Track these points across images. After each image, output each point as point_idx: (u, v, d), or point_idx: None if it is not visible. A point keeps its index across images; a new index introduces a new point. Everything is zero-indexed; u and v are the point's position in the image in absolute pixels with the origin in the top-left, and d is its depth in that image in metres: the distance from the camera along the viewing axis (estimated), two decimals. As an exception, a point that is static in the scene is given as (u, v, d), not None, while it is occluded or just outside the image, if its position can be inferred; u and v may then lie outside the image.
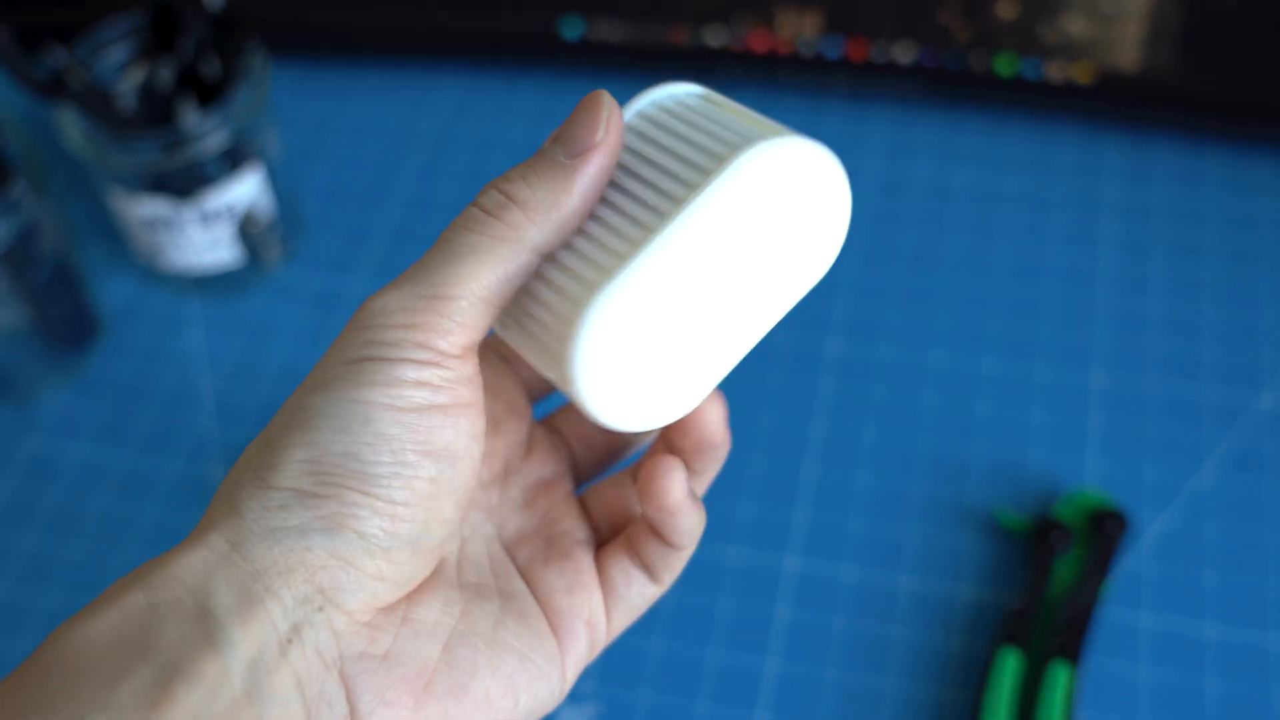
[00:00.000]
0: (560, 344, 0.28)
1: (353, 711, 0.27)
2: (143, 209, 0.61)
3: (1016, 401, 0.59)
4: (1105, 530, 0.52)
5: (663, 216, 0.28)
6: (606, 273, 0.27)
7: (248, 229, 0.63)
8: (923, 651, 0.52)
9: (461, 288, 0.27)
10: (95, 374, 0.63)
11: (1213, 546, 0.53)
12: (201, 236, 0.62)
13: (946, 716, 0.50)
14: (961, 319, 0.62)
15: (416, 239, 0.67)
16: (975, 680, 0.51)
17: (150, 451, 0.60)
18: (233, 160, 0.60)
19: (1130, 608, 0.52)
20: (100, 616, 0.26)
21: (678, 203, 0.28)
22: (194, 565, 0.26)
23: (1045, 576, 0.51)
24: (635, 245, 0.28)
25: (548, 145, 0.29)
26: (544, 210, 0.28)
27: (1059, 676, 0.48)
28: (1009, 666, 0.49)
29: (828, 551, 0.55)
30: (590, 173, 0.29)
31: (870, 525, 0.55)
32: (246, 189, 0.62)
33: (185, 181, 0.60)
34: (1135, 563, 0.53)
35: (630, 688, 0.51)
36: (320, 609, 0.26)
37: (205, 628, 0.25)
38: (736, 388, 0.60)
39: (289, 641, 0.26)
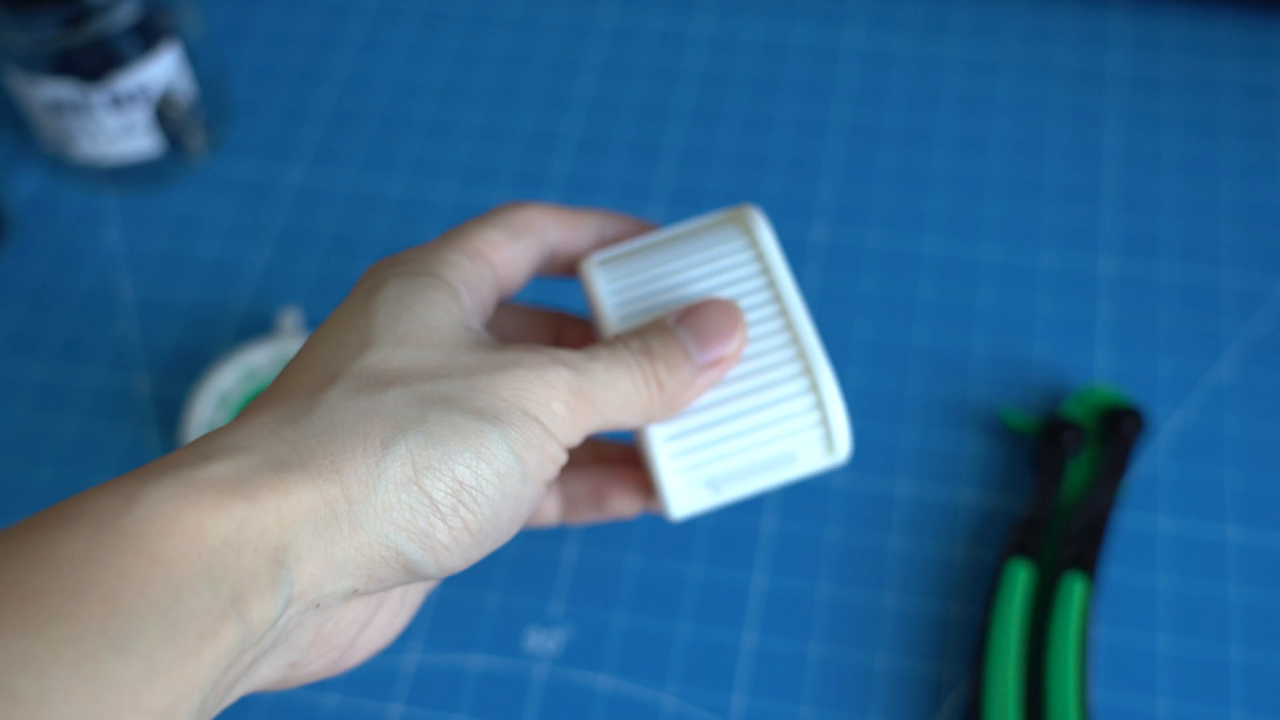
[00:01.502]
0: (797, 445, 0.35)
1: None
2: (46, 92, 0.55)
3: (1019, 291, 0.55)
4: (1120, 429, 0.49)
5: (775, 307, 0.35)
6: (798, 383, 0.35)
7: (166, 113, 0.57)
8: (923, 563, 0.48)
9: (606, 417, 0.32)
10: (1, 277, 0.58)
11: (1234, 444, 0.50)
12: (114, 122, 0.56)
13: (951, 633, 0.47)
14: (957, 203, 0.58)
15: (356, 122, 0.62)
16: (982, 594, 0.48)
17: (66, 360, 0.55)
18: (146, 36, 0.55)
19: (1147, 512, 0.49)
20: (201, 508, 0.25)
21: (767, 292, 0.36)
22: (301, 506, 0.27)
23: (1056, 481, 0.48)
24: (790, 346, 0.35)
25: (679, 329, 0.34)
26: (671, 405, 0.33)
27: (1074, 589, 0.45)
28: (1020, 579, 0.46)
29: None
30: (714, 379, 0.34)
31: (863, 427, 0.52)
32: (163, 68, 0.56)
33: (93, 61, 0.54)
34: (1151, 463, 0.50)
35: (605, 609, 0.47)
36: (353, 593, 0.28)
37: (274, 576, 0.26)
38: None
39: (316, 606, 0.28)
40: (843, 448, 0.35)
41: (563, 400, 0.31)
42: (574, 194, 0.59)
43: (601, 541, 0.49)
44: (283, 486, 0.26)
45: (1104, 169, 0.58)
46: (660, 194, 0.58)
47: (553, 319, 0.39)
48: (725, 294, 0.35)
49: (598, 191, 0.59)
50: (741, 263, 0.35)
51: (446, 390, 0.29)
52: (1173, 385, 0.52)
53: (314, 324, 0.56)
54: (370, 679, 0.46)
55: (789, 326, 0.35)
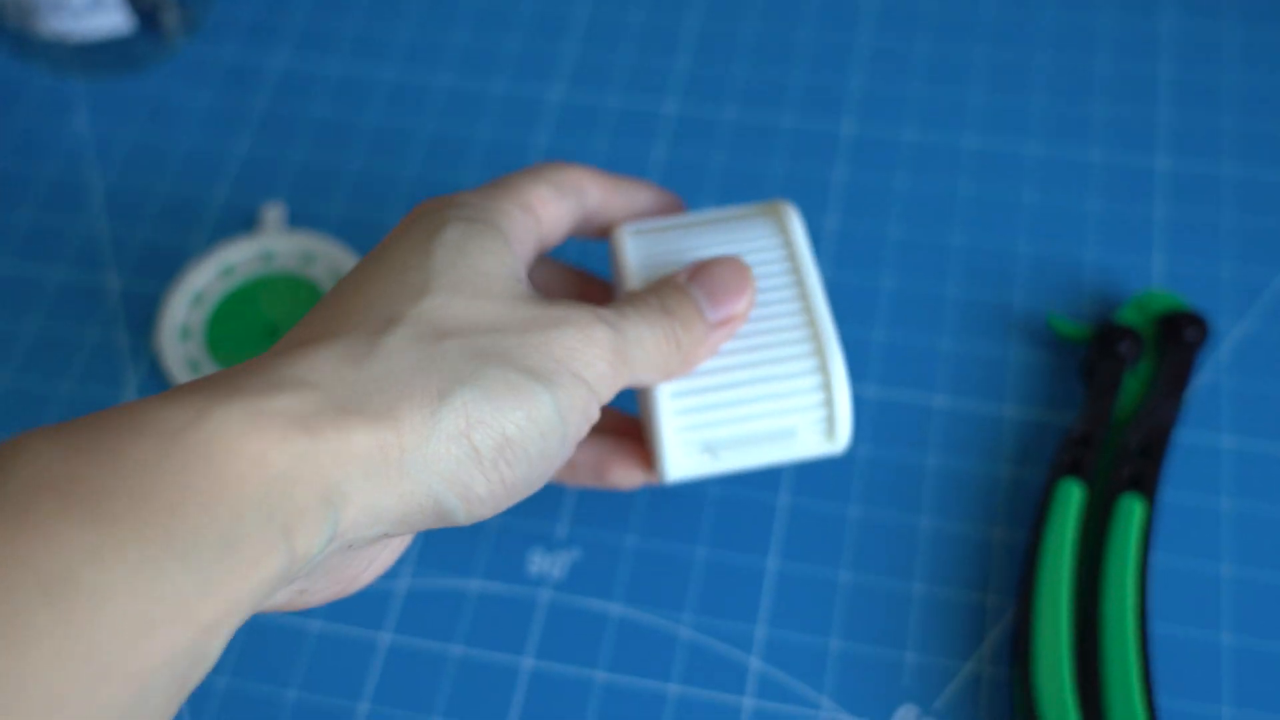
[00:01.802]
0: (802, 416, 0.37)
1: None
2: (4, -40, 0.50)
3: (1068, 190, 0.50)
4: (1182, 337, 0.45)
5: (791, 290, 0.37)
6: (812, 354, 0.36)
7: (137, -13, 0.53)
8: (964, 484, 0.44)
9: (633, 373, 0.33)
10: (-42, 166, 0.53)
11: (1304, 357, 0.46)
12: (80, -5, 0.52)
13: (996, 558, 0.43)
14: (999, 96, 0.53)
15: (346, 2, 0.57)
16: (1029, 517, 0.44)
17: (29, 257, 0.51)
18: (113, -102, 0.50)
19: (1209, 429, 0.45)
20: (268, 437, 0.26)
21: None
22: (358, 450, 0.27)
23: (1111, 394, 0.44)
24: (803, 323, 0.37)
25: (691, 286, 0.35)
26: (686, 362, 0.35)
27: (1132, 511, 0.41)
28: (1072, 500, 0.42)
29: (850, 372, 0.47)
30: (726, 336, 0.35)
31: (897, 336, 0.47)
32: (133, -65, 0.51)
33: (55, -76, 0.49)
34: (1214, 376, 0.46)
35: (615, 531, 0.43)
36: (384, 536, 0.29)
37: (323, 514, 0.26)
38: (736, 178, 0.51)
39: (349, 546, 0.28)
40: (843, 435, 0.37)
41: (606, 360, 0.32)
42: (580, 84, 0.54)
43: (611, 456, 0.45)
44: (345, 427, 0.27)
45: (1160, 58, 0.54)
46: (676, 84, 0.54)
47: (577, 276, 0.41)
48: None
49: (609, 80, 0.54)
50: (768, 248, 0.37)
51: (502, 346, 0.30)
52: (1236, 292, 0.48)
53: (297, 220, 0.51)
54: (359, 605, 0.43)
55: (807, 310, 0.36)
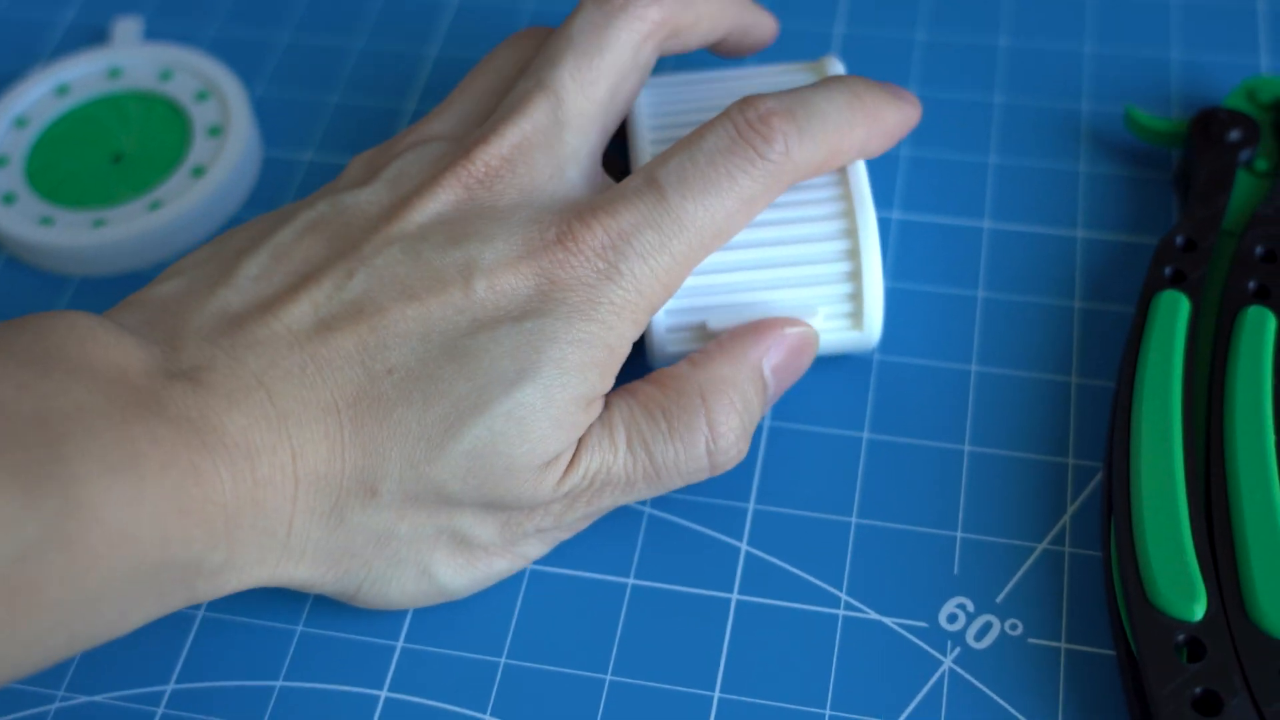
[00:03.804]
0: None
1: None
2: None
3: (1144, -22, 0.40)
4: (1311, 123, 0.34)
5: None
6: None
7: None
8: (1030, 323, 0.33)
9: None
10: None
11: None
12: None
13: (1076, 408, 0.32)
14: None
15: None
16: (1115, 356, 0.33)
17: None
18: None
19: (1353, 244, 0.34)
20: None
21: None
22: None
23: (1223, 192, 0.33)
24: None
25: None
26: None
27: (1264, 325, 0.30)
28: (1180, 315, 0.31)
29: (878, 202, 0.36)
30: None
31: (936, 155, 0.37)
32: None
33: None
34: (1353, 182, 0.35)
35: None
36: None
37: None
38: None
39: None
40: (874, 325, 0.31)
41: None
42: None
43: None
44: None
45: None
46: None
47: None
48: None
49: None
50: None
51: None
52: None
53: (156, 36, 0.41)
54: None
55: (843, 182, 0.30)
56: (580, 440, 0.28)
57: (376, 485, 0.26)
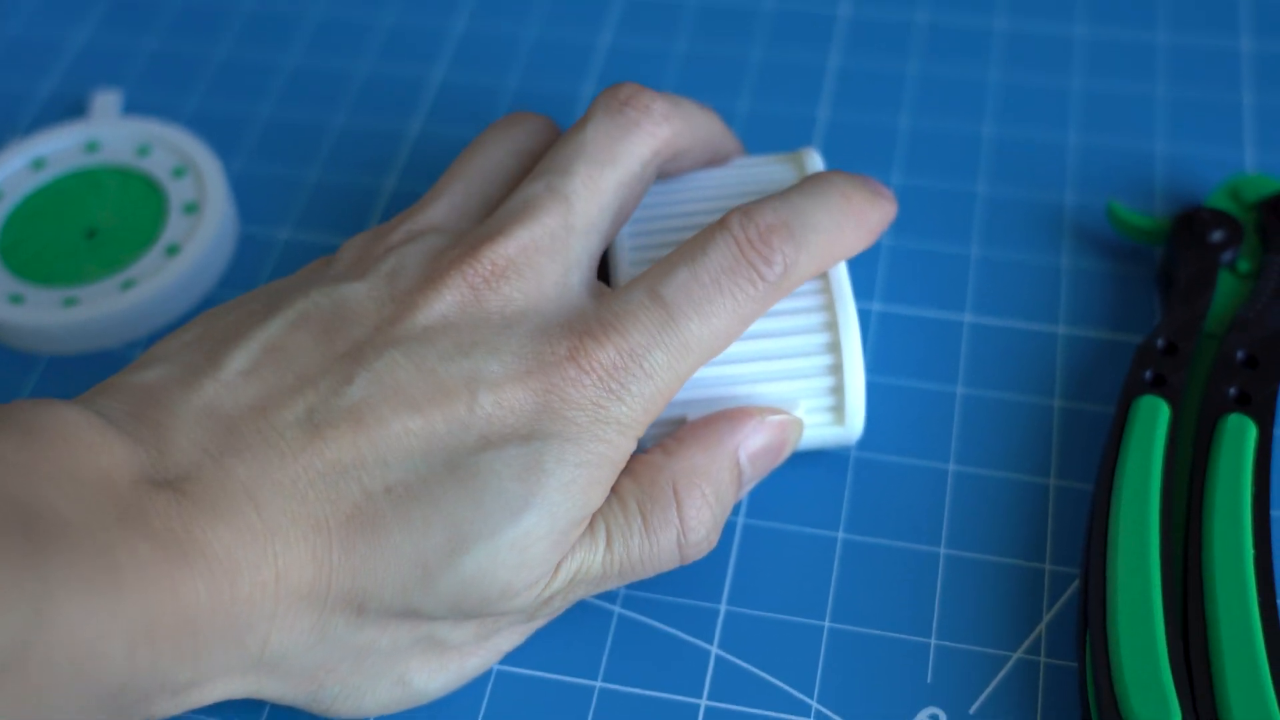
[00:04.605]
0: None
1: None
2: None
3: (1130, 76, 0.40)
4: (1294, 225, 0.34)
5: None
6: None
7: None
8: (1010, 422, 0.33)
9: None
10: None
11: None
12: None
13: (1054, 513, 0.32)
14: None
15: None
16: (1094, 460, 0.33)
17: None
18: None
19: (1336, 348, 0.34)
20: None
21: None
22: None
23: (1204, 295, 0.33)
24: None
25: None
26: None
27: (1244, 434, 0.30)
28: (1159, 422, 0.31)
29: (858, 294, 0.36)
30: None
31: (913, 244, 0.37)
32: None
33: None
34: (1337, 284, 0.35)
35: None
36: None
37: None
38: (700, 64, 0.41)
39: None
40: (856, 421, 0.31)
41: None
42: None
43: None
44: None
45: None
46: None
47: None
48: None
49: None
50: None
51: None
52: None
53: (135, 108, 0.41)
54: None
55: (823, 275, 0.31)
56: None
57: (364, 606, 0.26)
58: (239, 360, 0.26)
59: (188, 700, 0.25)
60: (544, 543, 0.26)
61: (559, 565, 0.27)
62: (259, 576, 0.24)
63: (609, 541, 0.28)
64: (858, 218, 0.30)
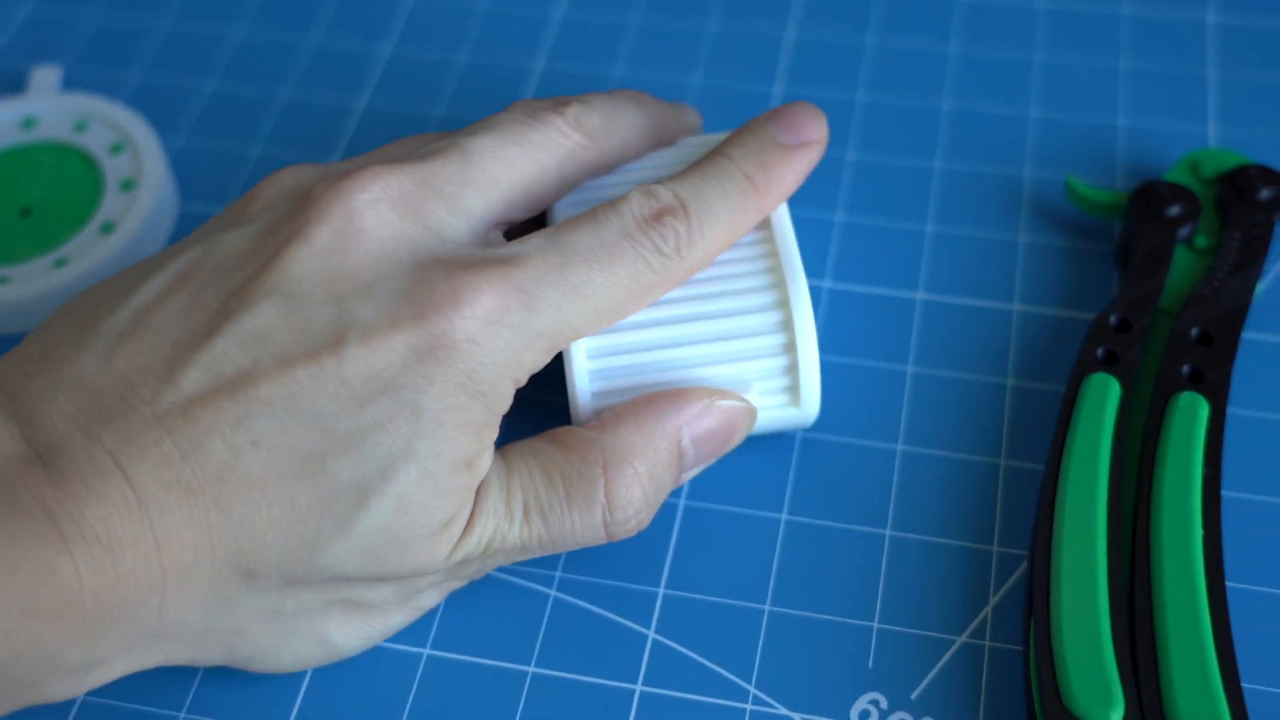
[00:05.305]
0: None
1: None
2: None
3: (1094, 48, 0.40)
4: (1253, 197, 0.33)
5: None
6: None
7: None
8: (961, 402, 0.33)
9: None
10: None
11: None
12: None
13: (1004, 493, 0.31)
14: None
15: None
16: (1045, 439, 0.32)
17: None
18: None
19: (1295, 325, 0.33)
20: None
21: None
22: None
23: (1159, 271, 0.32)
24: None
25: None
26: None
27: (1195, 412, 0.30)
28: (1109, 400, 0.30)
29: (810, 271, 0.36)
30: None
31: (860, 220, 0.36)
32: None
33: None
34: (1298, 260, 0.35)
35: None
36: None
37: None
38: (654, 39, 0.41)
39: None
40: (811, 402, 0.30)
41: None
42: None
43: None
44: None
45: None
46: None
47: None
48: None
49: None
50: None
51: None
52: (1322, 159, 0.37)
53: (76, 84, 0.41)
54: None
55: (773, 254, 0.30)
56: (475, 507, 0.27)
57: (253, 569, 0.25)
58: (109, 326, 0.25)
59: (90, 679, 0.24)
60: (422, 490, 0.25)
61: (469, 528, 0.26)
62: (139, 549, 0.24)
63: (526, 513, 0.27)
64: (765, 194, 0.29)
